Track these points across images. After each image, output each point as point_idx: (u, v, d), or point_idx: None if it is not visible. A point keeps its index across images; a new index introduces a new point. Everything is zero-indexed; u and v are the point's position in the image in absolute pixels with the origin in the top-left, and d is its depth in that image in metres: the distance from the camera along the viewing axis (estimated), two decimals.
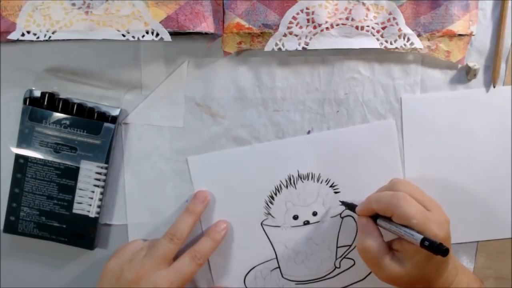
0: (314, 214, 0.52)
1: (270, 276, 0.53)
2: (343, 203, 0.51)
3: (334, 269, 0.53)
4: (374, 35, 0.49)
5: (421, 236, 0.41)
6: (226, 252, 0.52)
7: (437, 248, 0.40)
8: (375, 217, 0.46)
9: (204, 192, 0.50)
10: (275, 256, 0.53)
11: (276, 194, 0.52)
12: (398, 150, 0.52)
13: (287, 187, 0.52)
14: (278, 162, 0.51)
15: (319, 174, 0.52)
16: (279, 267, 0.53)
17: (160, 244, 0.48)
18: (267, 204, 0.52)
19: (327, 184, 0.52)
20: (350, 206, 0.50)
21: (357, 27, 0.49)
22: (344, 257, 0.53)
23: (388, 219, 0.45)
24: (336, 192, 0.52)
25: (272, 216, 0.52)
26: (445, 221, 0.45)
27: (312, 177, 0.52)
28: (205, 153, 0.51)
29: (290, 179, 0.52)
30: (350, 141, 0.51)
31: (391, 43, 0.49)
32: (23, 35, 0.47)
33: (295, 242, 0.52)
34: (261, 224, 0.52)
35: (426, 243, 0.40)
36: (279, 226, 0.52)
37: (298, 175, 0.52)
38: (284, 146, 0.51)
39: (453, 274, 0.46)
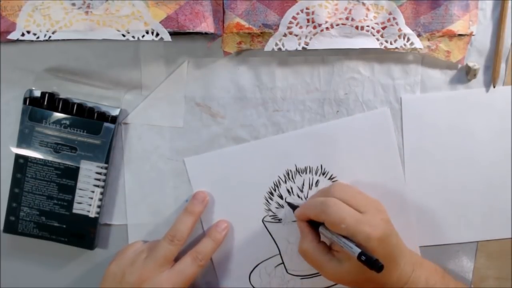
0: None
1: (275, 272, 0.53)
2: (289, 204, 0.51)
3: None
4: (374, 35, 0.49)
5: (359, 251, 0.41)
6: (230, 251, 0.52)
7: (372, 264, 0.40)
8: (318, 222, 0.46)
9: (203, 193, 0.51)
10: (278, 252, 0.53)
11: (275, 190, 0.52)
12: (394, 138, 0.51)
13: (285, 182, 0.52)
14: (275, 157, 0.51)
15: (317, 167, 0.52)
16: (283, 262, 0.53)
17: (160, 246, 0.48)
18: (267, 201, 0.52)
19: (325, 176, 0.52)
20: (294, 208, 0.50)
21: (357, 27, 0.49)
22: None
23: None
24: None
25: (273, 212, 0.52)
26: (382, 221, 0.44)
27: (310, 170, 0.52)
28: (202, 153, 0.51)
29: (288, 174, 0.52)
30: (346, 132, 0.51)
31: (391, 43, 0.49)
32: (23, 35, 0.47)
33: (297, 237, 0.52)
34: (262, 221, 0.52)
35: (363, 257, 0.41)
36: (280, 222, 0.52)
37: (296, 169, 0.52)
38: (280, 141, 0.51)
39: (408, 271, 0.45)
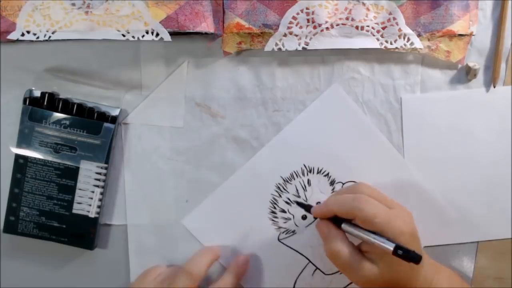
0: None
1: (314, 280, 0.52)
2: (298, 203, 0.51)
3: None
4: (374, 35, 0.49)
5: (394, 244, 0.40)
6: (263, 281, 0.52)
7: (411, 256, 0.39)
8: (333, 219, 0.45)
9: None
10: (308, 261, 0.52)
11: (275, 207, 0.52)
12: (357, 109, 0.51)
13: (280, 195, 0.52)
14: (262, 177, 0.51)
15: (301, 168, 0.52)
16: (317, 268, 0.52)
17: (179, 280, 0.47)
18: (273, 220, 0.52)
19: (312, 172, 0.52)
20: (306, 207, 0.49)
21: (357, 27, 0.49)
22: None
23: (352, 223, 0.44)
24: (325, 175, 0.52)
25: (284, 228, 0.52)
26: (409, 216, 0.44)
27: (296, 175, 0.52)
28: (196, 207, 0.51)
29: (279, 188, 0.52)
30: (311, 125, 0.51)
31: (391, 43, 0.49)
32: (23, 35, 0.47)
33: (317, 239, 0.51)
34: (279, 240, 0.52)
35: (400, 252, 0.39)
36: (295, 233, 0.52)
37: (283, 180, 0.52)
38: (257, 162, 0.51)
39: (431, 272, 0.45)
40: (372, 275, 0.42)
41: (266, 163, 0.52)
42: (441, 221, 0.52)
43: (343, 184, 0.52)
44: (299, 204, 0.50)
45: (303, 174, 0.52)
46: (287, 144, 0.51)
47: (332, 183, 0.52)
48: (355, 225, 0.43)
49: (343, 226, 0.44)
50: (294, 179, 0.52)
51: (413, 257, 0.39)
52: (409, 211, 0.46)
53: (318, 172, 0.52)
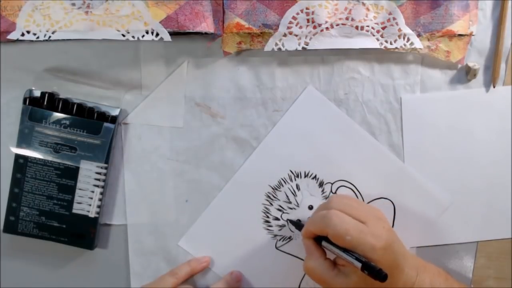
0: (310, 208, 0.52)
1: (316, 284, 0.52)
2: (291, 222, 0.51)
3: None
4: (374, 35, 0.49)
5: (360, 264, 0.41)
6: None
7: (376, 275, 0.40)
8: (322, 237, 0.46)
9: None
10: None
11: (268, 216, 0.52)
12: (335, 107, 0.51)
13: (271, 204, 0.52)
14: (250, 189, 0.52)
15: (288, 174, 0.52)
16: None
17: None
18: (268, 229, 0.52)
19: (299, 177, 0.52)
20: (297, 226, 0.50)
21: (357, 27, 0.49)
22: None
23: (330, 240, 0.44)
24: (313, 178, 0.52)
25: (280, 235, 0.52)
26: (384, 229, 0.44)
27: (284, 182, 0.52)
28: (189, 228, 0.52)
29: (269, 197, 0.52)
30: (291, 131, 0.51)
31: (391, 43, 0.49)
32: (23, 35, 0.47)
33: None
34: (277, 248, 0.52)
35: (365, 272, 0.40)
36: (291, 239, 0.52)
37: (272, 188, 0.52)
38: (243, 175, 0.51)
39: (412, 275, 0.45)
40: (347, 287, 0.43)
41: (253, 175, 0.52)
42: (441, 221, 0.52)
43: (332, 184, 0.52)
44: (291, 222, 0.51)
45: (291, 180, 0.52)
46: (270, 152, 0.52)
47: (321, 184, 0.52)
48: (332, 242, 0.44)
49: (323, 243, 0.45)
50: (283, 186, 0.52)
51: (378, 276, 0.40)
52: (385, 221, 0.45)
53: (305, 176, 0.52)
